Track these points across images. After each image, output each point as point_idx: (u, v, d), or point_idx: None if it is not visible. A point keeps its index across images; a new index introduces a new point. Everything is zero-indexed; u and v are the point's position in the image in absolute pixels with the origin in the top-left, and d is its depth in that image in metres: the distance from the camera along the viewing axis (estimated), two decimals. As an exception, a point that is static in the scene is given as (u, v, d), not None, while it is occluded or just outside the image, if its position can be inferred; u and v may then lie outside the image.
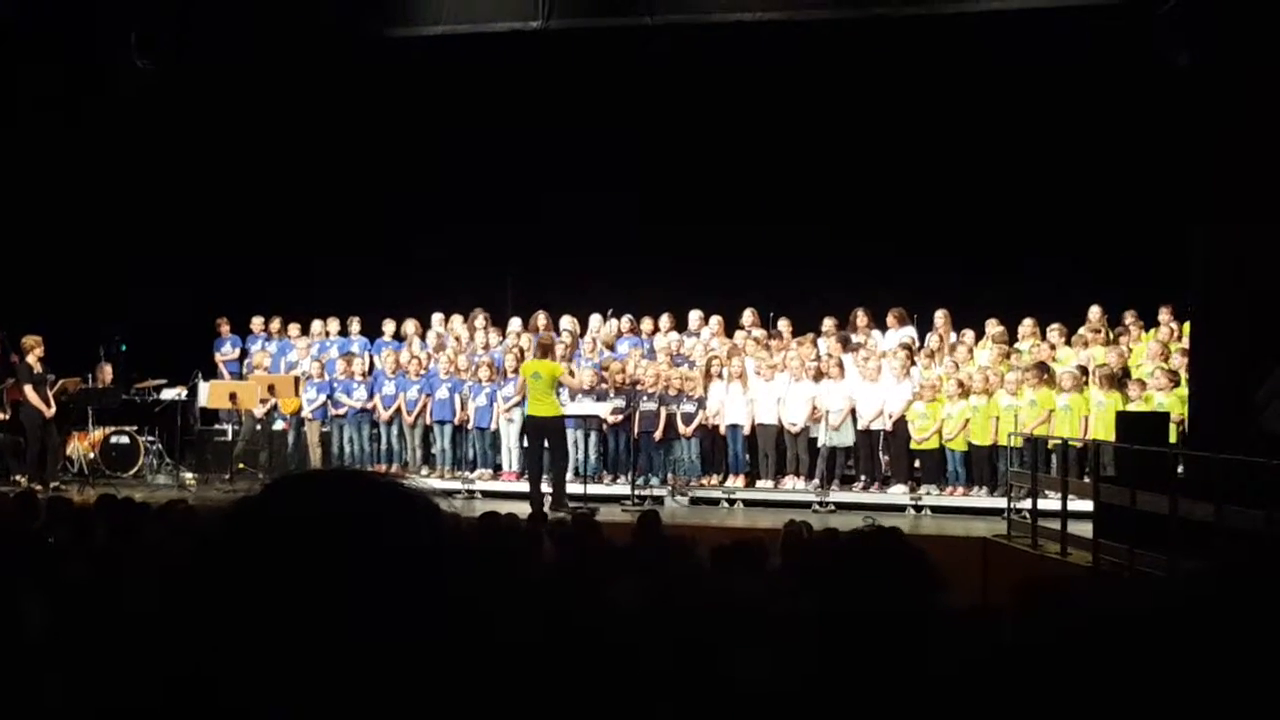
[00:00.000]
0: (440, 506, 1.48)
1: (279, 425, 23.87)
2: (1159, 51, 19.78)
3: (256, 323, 25.69)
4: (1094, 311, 22.09)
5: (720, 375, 22.13)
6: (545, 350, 20.95)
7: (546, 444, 20.66)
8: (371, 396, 23.75)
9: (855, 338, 22.76)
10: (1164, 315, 21.72)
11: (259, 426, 23.66)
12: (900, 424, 21.43)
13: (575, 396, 21.64)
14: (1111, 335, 21.99)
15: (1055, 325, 22.10)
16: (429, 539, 1.44)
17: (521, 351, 23.05)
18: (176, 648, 1.38)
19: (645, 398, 22.01)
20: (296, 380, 23.94)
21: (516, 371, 22.59)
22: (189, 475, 23.66)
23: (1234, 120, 17.58)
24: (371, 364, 24.16)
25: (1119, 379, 20.48)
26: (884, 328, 23.15)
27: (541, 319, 24.12)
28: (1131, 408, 19.60)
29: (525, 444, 21.35)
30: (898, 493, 21.37)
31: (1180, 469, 16.39)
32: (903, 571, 3.95)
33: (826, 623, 4.02)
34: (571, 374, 21.96)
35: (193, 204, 25.33)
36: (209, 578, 1.41)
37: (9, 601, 3.35)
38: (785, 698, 3.87)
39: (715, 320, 23.76)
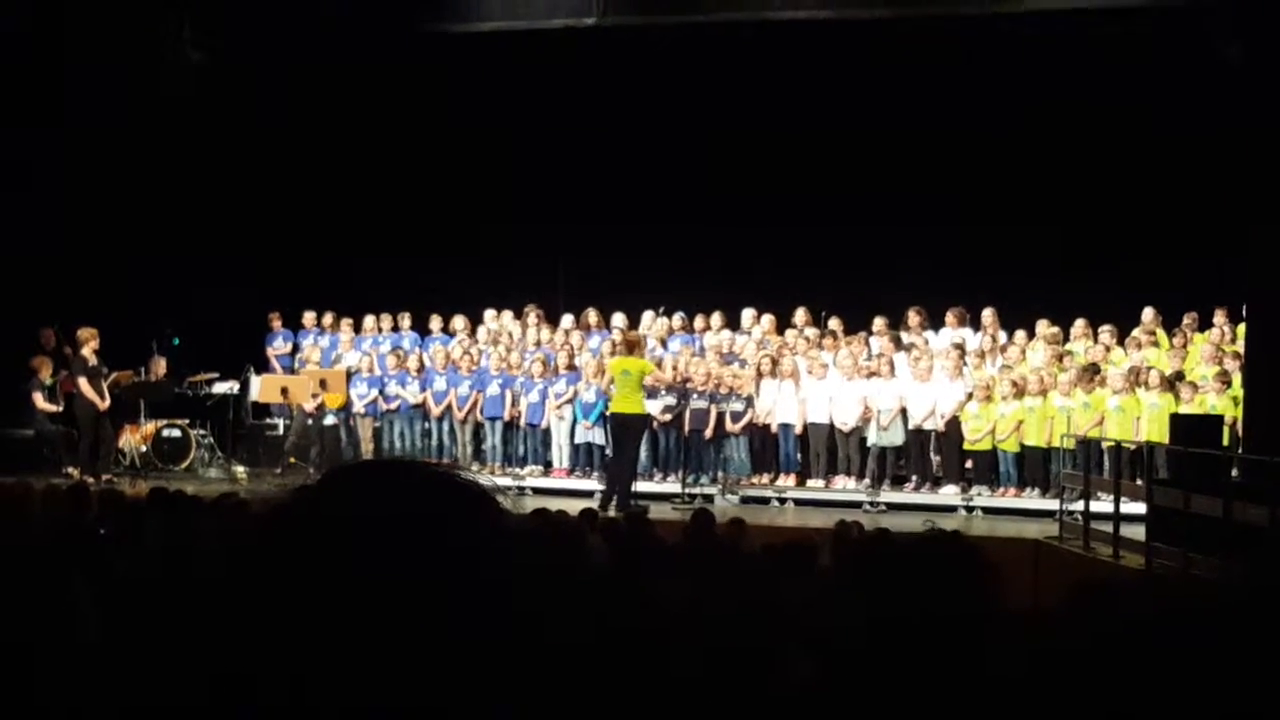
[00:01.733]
0: (499, 501, 1.48)
1: (330, 420, 23.94)
2: (1213, 47, 19.71)
3: (309, 317, 25.71)
4: (1147, 313, 22.08)
5: (772, 374, 22.12)
6: (632, 347, 21.02)
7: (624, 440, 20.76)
8: (423, 392, 23.80)
9: (907, 337, 22.73)
10: (1218, 317, 21.68)
11: (310, 421, 23.75)
12: (953, 424, 21.38)
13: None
14: (1166, 338, 21.93)
15: (1107, 326, 22.05)
16: (487, 534, 1.43)
17: (573, 349, 23.16)
18: (227, 643, 1.37)
19: (696, 396, 22.00)
20: (348, 375, 24.03)
21: (570, 368, 22.74)
22: (240, 469, 23.76)
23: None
24: (422, 360, 24.18)
25: (1172, 381, 20.42)
26: (938, 327, 23.10)
27: (593, 315, 24.24)
28: (1184, 410, 19.53)
29: (612, 441, 21.33)
30: (949, 493, 21.35)
31: (1235, 472, 16.34)
32: (963, 574, 3.93)
33: (880, 626, 4.00)
34: (659, 366, 22.24)
35: (246, 199, 25.41)
36: (264, 570, 1.40)
37: (62, 594, 3.36)
38: (836, 703, 3.86)
39: (767, 318, 23.72)
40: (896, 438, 21.67)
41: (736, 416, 22.04)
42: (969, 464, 21.63)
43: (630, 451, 20.83)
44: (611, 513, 17.84)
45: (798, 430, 22.08)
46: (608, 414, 21.37)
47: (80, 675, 3.16)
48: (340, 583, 1.33)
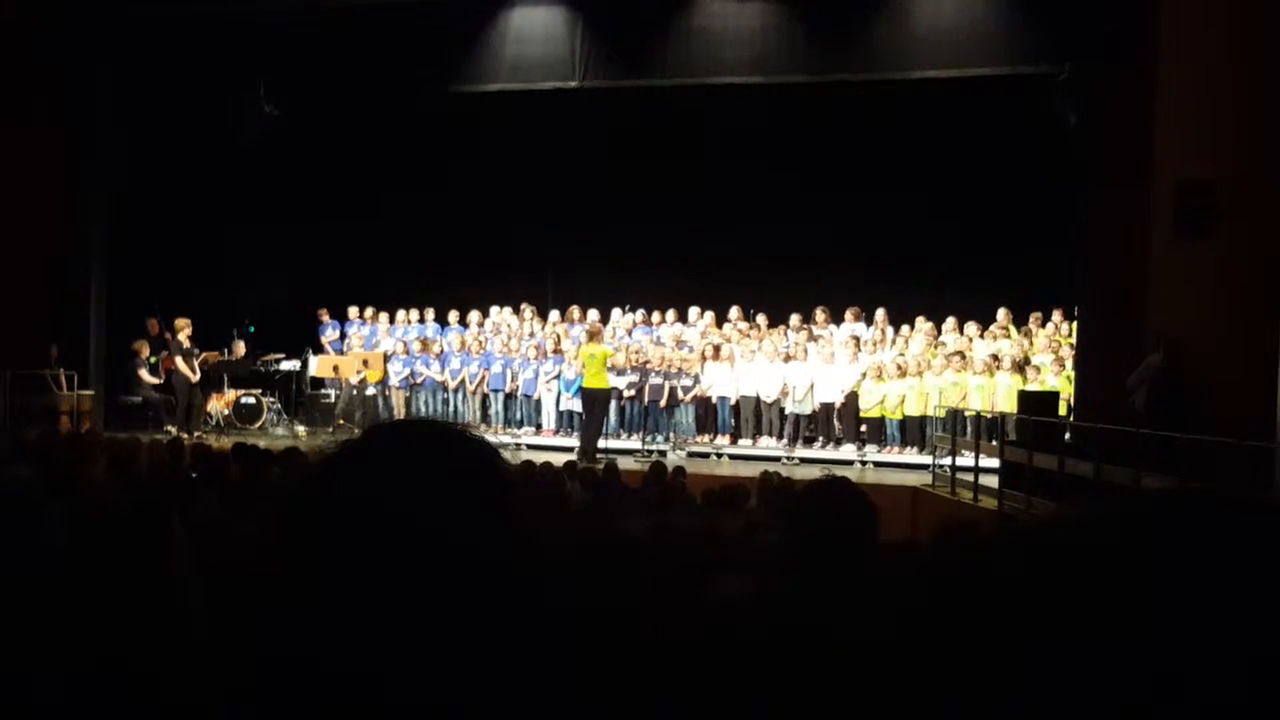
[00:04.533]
0: (498, 451, 1.49)
1: (370, 391, 23.96)
2: (1056, 110, 19.81)
3: (353, 311, 25.78)
4: (1001, 313, 22.20)
5: (713, 357, 22.20)
6: (593, 336, 21.22)
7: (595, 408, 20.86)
8: (443, 370, 23.85)
9: (816, 330, 22.83)
10: (1056, 316, 21.88)
11: (355, 392, 23.80)
12: (851, 397, 21.47)
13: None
14: (1015, 331, 22.08)
15: (970, 323, 22.18)
16: (490, 472, 1.44)
17: (559, 337, 23.29)
18: (290, 541, 1.39)
19: (654, 374, 22.07)
20: (385, 357, 24.08)
21: (557, 352, 22.87)
22: (301, 428, 23.79)
23: (1110, 167, 17.61)
24: (442, 345, 24.26)
25: (1020, 365, 20.54)
26: (840, 322, 23.17)
27: (576, 312, 24.30)
28: (1029, 388, 19.62)
29: (583, 408, 21.40)
30: (848, 451, 21.39)
31: (1067, 436, 16.41)
32: (851, 503, 3.97)
33: (789, 550, 4.04)
34: (626, 351, 22.47)
35: (304, 218, 25.38)
36: (322, 489, 1.42)
37: (162, 522, 3.37)
38: (757, 610, 3.87)
39: (709, 314, 23.83)
40: (807, 408, 21.74)
41: (685, 390, 22.08)
42: (863, 428, 21.71)
43: (597, 416, 20.93)
44: (587, 464, 17.85)
45: (732, 401, 22.15)
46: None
47: (175, 585, 3.17)
48: (377, 497, 1.35)
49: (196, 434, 21.51)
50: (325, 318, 25.95)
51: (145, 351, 23.00)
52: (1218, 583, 0.94)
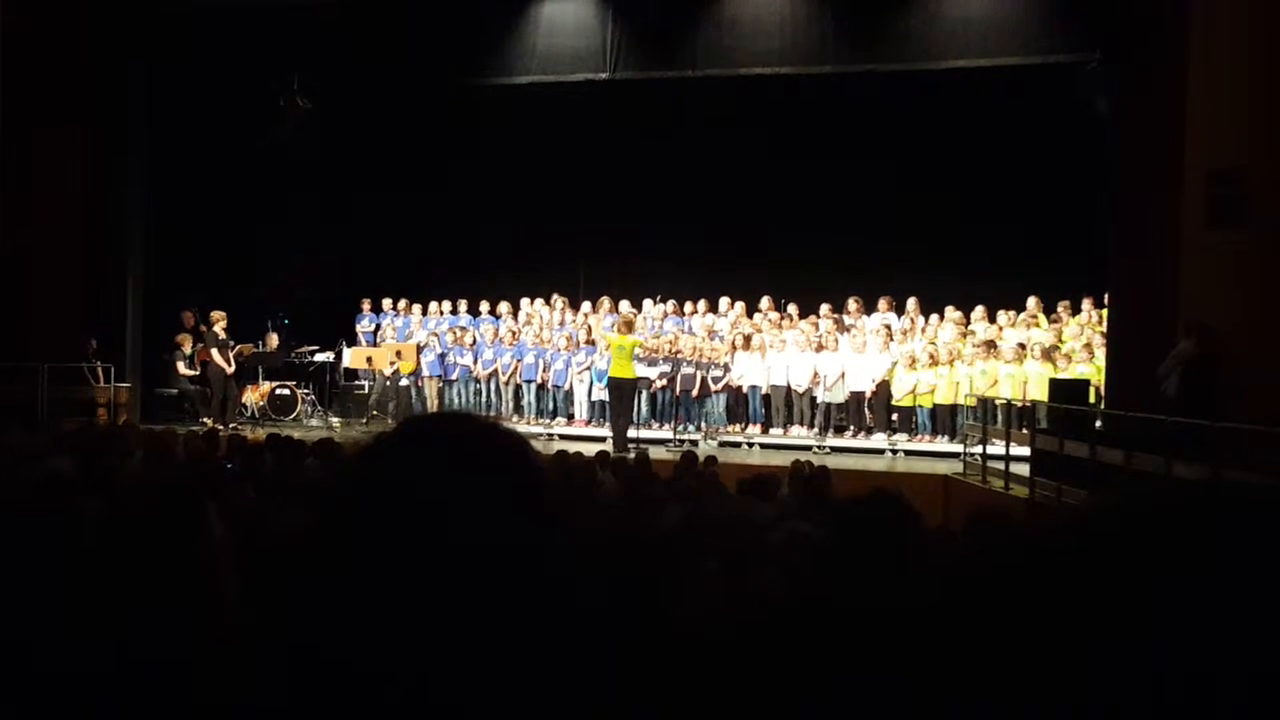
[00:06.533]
0: (529, 444, 1.50)
1: (404, 382, 24.01)
2: (1086, 99, 19.73)
3: (387, 302, 25.87)
4: (1031, 301, 22.09)
5: (744, 347, 22.18)
6: (627, 327, 21.08)
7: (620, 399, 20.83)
8: (476, 361, 23.88)
9: (847, 319, 22.78)
10: (1086, 304, 21.73)
11: (389, 383, 23.84)
12: (882, 386, 21.42)
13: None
14: (1045, 319, 22.00)
15: (1002, 311, 22.10)
16: (522, 463, 1.45)
17: (590, 328, 23.32)
18: (325, 546, 1.39)
19: (685, 364, 22.08)
20: (418, 348, 24.12)
21: (589, 343, 22.93)
22: (335, 419, 23.89)
23: (1140, 155, 17.48)
24: (475, 336, 24.29)
25: (1050, 353, 20.46)
26: (871, 311, 23.10)
27: (606, 303, 24.30)
28: (1059, 375, 19.54)
29: (610, 398, 21.33)
30: (879, 440, 21.34)
31: (1098, 423, 16.34)
32: (898, 520, 3.96)
33: (828, 545, 4.03)
34: (658, 342, 22.50)
35: (337, 210, 25.53)
36: (359, 484, 1.43)
37: (199, 515, 3.39)
38: (791, 599, 3.87)
39: (740, 305, 23.84)
40: (839, 396, 21.70)
41: (716, 380, 22.09)
42: (894, 417, 21.67)
43: (625, 406, 20.87)
44: (618, 454, 17.85)
45: (763, 390, 22.13)
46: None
47: (209, 567, 3.18)
48: (411, 491, 1.35)
49: (232, 426, 21.62)
50: (365, 307, 26.10)
51: (187, 345, 23.13)
52: (1221, 581, 0.93)
